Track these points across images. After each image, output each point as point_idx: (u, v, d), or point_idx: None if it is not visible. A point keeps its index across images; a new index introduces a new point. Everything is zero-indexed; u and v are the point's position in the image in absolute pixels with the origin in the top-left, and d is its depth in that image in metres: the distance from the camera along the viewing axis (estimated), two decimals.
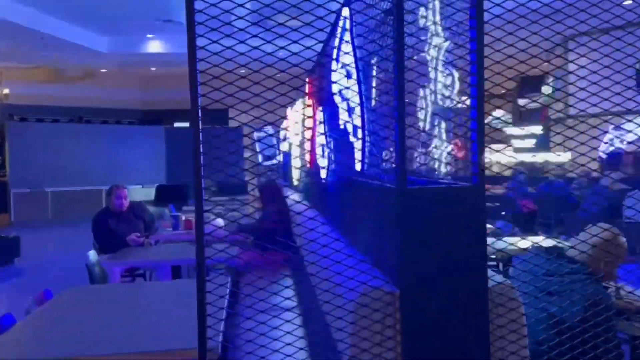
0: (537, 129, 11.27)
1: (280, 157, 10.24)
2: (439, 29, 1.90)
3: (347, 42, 2.11)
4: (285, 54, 1.65)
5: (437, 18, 1.90)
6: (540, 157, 10.70)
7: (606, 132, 8.73)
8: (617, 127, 7.87)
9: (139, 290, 3.03)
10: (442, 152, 1.91)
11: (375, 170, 1.84)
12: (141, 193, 13.52)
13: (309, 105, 3.98)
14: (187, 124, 16.89)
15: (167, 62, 13.76)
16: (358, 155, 2.01)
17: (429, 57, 1.89)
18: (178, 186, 13.78)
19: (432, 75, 1.89)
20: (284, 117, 6.92)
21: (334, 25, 2.65)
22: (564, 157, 9.99)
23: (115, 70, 16.10)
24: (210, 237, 4.93)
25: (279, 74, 1.72)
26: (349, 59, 2.11)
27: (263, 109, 1.66)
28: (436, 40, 1.90)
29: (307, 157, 4.23)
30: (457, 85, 1.85)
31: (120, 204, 4.69)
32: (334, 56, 2.46)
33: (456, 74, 1.86)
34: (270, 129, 10.66)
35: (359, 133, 1.96)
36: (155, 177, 14.07)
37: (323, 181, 3.12)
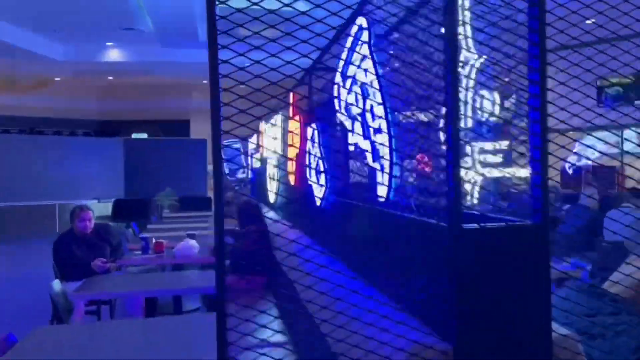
0: (504, 144, 11.34)
1: (247, 172, 9.93)
2: (470, 42, 1.71)
3: (363, 54, 1.88)
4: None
5: (468, 30, 1.71)
6: (507, 172, 10.75)
7: (571, 150, 8.80)
8: (582, 143, 7.94)
9: (123, 330, 2.68)
10: (477, 182, 1.71)
11: (411, 203, 1.61)
12: (97, 208, 12.87)
13: (295, 121, 3.73)
14: (145, 135, 16.32)
15: (126, 71, 13.26)
16: (382, 180, 1.77)
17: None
18: (137, 201, 13.21)
19: (462, 95, 1.69)
20: (257, 131, 6.65)
21: (336, 38, 2.43)
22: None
23: (70, 79, 15.43)
24: (184, 260, 4.55)
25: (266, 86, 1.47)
26: (364, 73, 1.89)
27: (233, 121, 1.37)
28: (466, 55, 1.70)
29: (292, 175, 3.97)
30: (497, 106, 1.65)
31: (84, 227, 4.30)
32: (340, 69, 2.23)
33: (496, 95, 1.66)
34: (238, 143, 10.36)
35: (385, 155, 1.73)
36: (113, 191, 13.46)
37: (318, 205, 2.87)
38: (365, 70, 1.87)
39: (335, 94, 2.30)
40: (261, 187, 7.46)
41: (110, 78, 15.39)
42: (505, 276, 1.33)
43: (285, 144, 4.63)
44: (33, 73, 13.87)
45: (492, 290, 1.33)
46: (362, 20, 1.89)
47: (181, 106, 16.88)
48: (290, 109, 4.03)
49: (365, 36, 1.86)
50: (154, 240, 4.53)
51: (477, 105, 1.65)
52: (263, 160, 6.21)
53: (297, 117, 3.74)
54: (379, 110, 1.77)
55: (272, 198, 5.34)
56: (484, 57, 1.67)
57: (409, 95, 1.68)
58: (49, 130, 16.66)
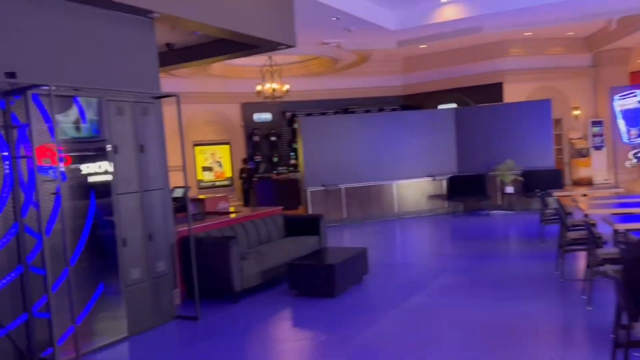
0: None
1: None
2: None
3: None
4: None
5: None
6: None
7: None
8: None
9: None
10: None
11: None
12: (431, 186, 11.76)
13: None
14: (454, 105, 14.65)
15: (462, 29, 11.69)
16: None
17: None
18: (473, 177, 11.71)
19: None
20: None
21: None
22: None
23: (379, 58, 14.81)
24: None
25: None
26: None
27: None
28: None
29: None
30: None
31: None
32: None
33: None
34: None
35: None
36: (445, 167, 12.17)
37: None
38: None
39: None
40: None
41: (424, 46, 14.22)
42: None
43: None
44: (357, 50, 13.42)
45: None
46: None
47: (493, 68, 14.89)
48: None
49: None
50: None
51: None
52: None
53: None
54: None
55: None
56: None
57: None
58: (360, 109, 16.39)
